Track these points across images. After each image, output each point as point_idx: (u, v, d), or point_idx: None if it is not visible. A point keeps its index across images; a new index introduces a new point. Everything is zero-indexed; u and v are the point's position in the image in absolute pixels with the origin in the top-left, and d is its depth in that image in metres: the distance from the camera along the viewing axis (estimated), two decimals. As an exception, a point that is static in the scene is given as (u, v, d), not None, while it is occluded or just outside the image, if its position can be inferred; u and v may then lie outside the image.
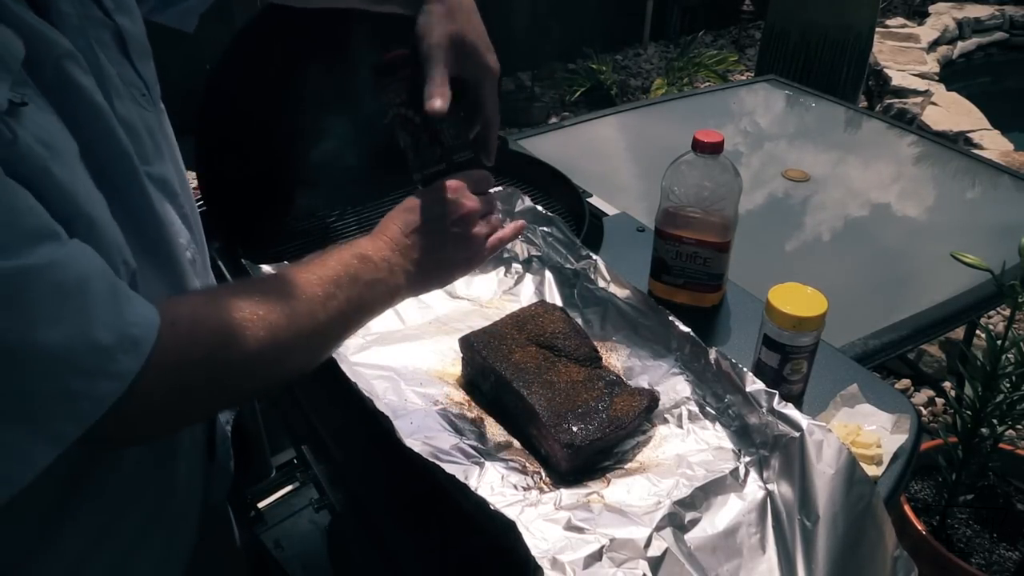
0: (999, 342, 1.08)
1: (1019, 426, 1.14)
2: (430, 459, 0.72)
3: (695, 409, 0.83)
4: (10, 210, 0.48)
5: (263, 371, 0.63)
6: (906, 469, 0.83)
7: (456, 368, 0.91)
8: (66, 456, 0.52)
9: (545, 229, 1.07)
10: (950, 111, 3.68)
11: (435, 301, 1.02)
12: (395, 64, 0.78)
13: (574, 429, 0.76)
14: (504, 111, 0.84)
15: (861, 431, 0.84)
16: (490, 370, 0.84)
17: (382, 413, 0.76)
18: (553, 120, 3.99)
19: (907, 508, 1.25)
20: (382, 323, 0.90)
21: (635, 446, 0.81)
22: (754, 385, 0.79)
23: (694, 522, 0.70)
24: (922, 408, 2.27)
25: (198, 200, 0.91)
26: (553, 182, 1.34)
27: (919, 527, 1.23)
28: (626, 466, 0.78)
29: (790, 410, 0.76)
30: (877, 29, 3.62)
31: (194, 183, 1.00)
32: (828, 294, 0.87)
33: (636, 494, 0.74)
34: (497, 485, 0.74)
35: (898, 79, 4.00)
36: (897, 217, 1.59)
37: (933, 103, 3.76)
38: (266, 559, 1.37)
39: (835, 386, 0.90)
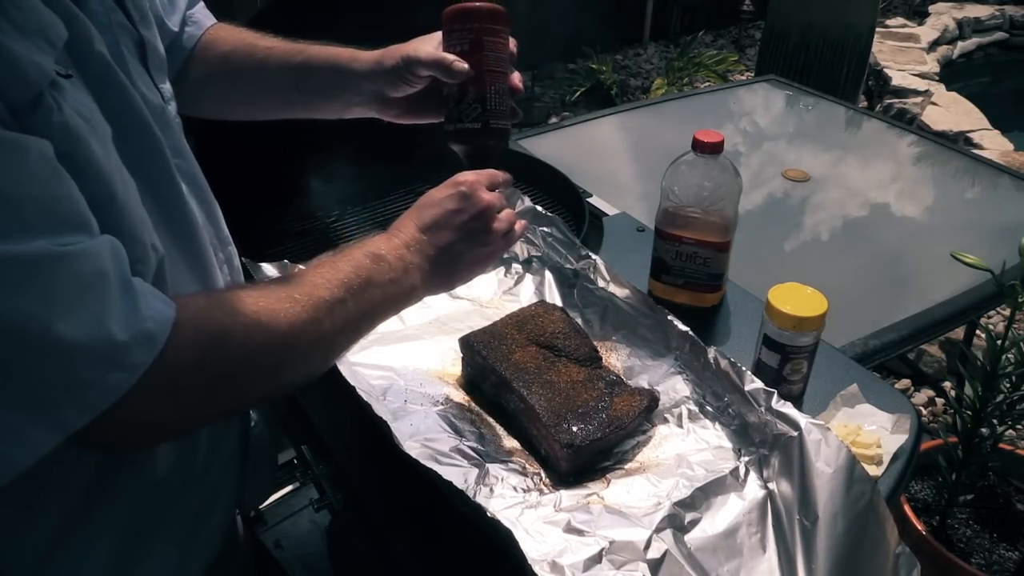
0: (999, 342, 1.08)
1: (1019, 426, 1.14)
2: (428, 464, 0.71)
3: (695, 408, 0.83)
4: (50, 196, 0.49)
5: (262, 378, 0.62)
6: (906, 469, 0.83)
7: (456, 368, 0.91)
8: (89, 457, 0.51)
9: (545, 229, 1.07)
10: (950, 111, 3.68)
11: (435, 301, 1.01)
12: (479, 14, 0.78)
13: (574, 429, 0.76)
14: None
15: (861, 431, 0.84)
16: (490, 370, 0.84)
17: (380, 418, 0.76)
18: (553, 120, 3.98)
19: (907, 508, 1.25)
20: (382, 323, 0.90)
21: (635, 446, 0.81)
22: (753, 384, 0.79)
23: (694, 523, 0.70)
24: (922, 408, 2.27)
25: None
26: (553, 182, 1.34)
27: (919, 527, 1.23)
28: (626, 466, 0.78)
29: (788, 409, 0.76)
30: (877, 29, 3.61)
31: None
32: (828, 294, 0.87)
33: (636, 495, 0.74)
34: (497, 487, 0.74)
35: (898, 79, 4.00)
36: (897, 217, 1.59)
37: (933, 103, 3.76)
38: (266, 559, 1.36)
39: (835, 386, 0.90)
